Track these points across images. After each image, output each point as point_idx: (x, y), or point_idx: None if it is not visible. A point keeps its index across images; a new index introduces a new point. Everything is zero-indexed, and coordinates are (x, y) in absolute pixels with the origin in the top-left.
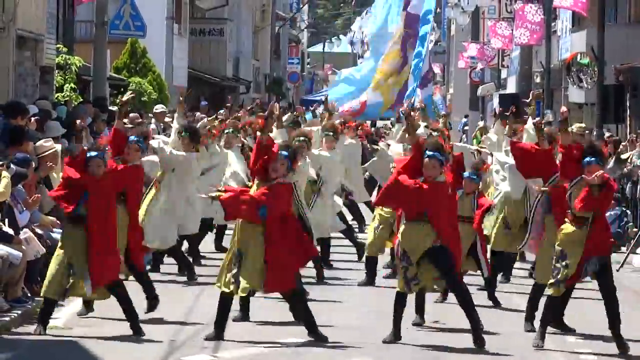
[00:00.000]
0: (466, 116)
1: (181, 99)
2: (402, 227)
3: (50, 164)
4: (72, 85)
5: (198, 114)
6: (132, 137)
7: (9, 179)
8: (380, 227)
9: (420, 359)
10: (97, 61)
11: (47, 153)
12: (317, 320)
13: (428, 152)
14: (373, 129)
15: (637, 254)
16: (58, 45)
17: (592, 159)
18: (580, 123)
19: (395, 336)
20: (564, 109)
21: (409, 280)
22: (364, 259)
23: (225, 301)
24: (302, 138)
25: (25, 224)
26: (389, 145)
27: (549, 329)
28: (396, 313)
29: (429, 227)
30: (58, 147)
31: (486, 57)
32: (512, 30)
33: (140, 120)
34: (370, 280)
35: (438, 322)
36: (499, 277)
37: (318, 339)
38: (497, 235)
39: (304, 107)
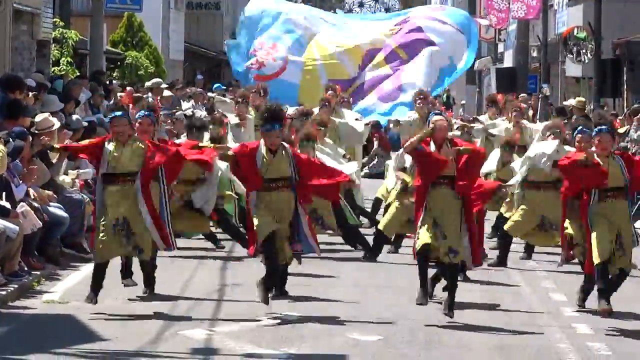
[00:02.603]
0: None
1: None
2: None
3: (47, 138)
4: (69, 59)
5: (194, 88)
6: (141, 112)
7: (4, 152)
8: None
9: (418, 333)
10: (93, 35)
11: (52, 129)
12: (314, 295)
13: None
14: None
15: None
16: (55, 19)
17: (603, 127)
18: (579, 97)
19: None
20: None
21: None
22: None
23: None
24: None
25: (22, 197)
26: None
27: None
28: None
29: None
30: (57, 123)
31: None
32: (509, 3)
33: (139, 95)
34: (374, 257)
35: (435, 296)
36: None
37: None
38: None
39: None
